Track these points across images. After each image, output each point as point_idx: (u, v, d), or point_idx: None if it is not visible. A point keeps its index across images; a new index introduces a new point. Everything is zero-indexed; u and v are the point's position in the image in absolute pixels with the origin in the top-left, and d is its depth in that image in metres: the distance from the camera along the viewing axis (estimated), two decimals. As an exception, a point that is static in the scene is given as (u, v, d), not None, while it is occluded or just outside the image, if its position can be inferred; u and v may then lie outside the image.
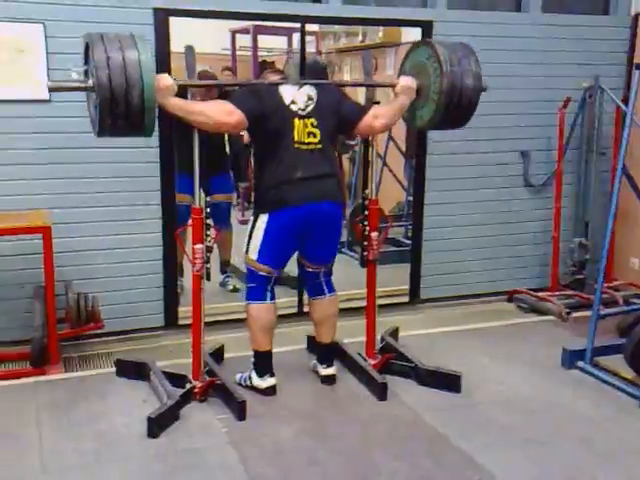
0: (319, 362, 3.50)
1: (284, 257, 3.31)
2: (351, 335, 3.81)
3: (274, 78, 3.42)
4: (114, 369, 3.56)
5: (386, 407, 3.22)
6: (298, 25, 4.22)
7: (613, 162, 4.54)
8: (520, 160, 4.75)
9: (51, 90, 2.85)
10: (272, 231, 3.16)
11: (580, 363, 3.67)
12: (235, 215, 7.11)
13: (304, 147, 3.14)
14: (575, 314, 4.50)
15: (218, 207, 4.34)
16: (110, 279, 3.96)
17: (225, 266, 4.92)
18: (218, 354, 3.71)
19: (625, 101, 4.01)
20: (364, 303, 3.60)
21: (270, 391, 3.30)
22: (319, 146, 3.17)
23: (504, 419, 3.17)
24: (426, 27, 4.34)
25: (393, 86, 3.38)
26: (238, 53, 7.57)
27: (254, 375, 3.33)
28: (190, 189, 3.20)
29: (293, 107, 3.15)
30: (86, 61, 2.77)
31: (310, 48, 6.54)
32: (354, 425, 3.10)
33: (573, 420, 3.18)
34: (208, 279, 3.27)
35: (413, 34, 4.56)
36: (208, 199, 3.45)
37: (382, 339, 3.77)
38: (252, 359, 3.34)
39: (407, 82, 3.34)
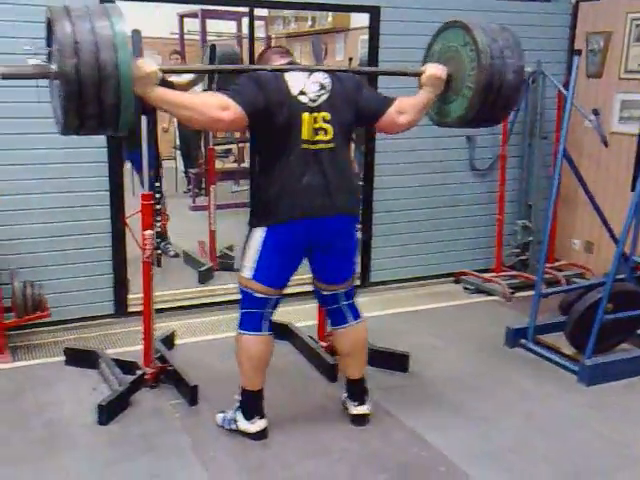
0: (350, 399, 3.01)
1: (285, 274, 2.77)
2: (303, 318, 3.86)
3: (280, 62, 2.78)
4: (63, 358, 3.52)
5: (336, 388, 3.27)
6: (247, 9, 4.21)
7: (555, 146, 4.67)
8: (466, 145, 4.84)
9: (4, 77, 2.30)
10: (271, 246, 2.67)
11: (523, 341, 3.79)
12: (187, 202, 7.09)
13: (313, 147, 2.62)
14: (519, 294, 4.64)
15: None
16: (57, 267, 3.90)
17: (161, 234, 4.89)
18: (169, 340, 3.71)
19: (566, 86, 4.13)
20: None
21: (262, 435, 2.83)
22: (331, 145, 2.65)
23: (451, 397, 3.26)
24: (374, 13, 4.37)
25: (419, 74, 2.87)
26: (187, 37, 7.51)
27: (240, 417, 2.85)
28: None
29: (302, 98, 2.61)
30: (49, 42, 2.36)
31: (259, 33, 6.53)
32: (305, 406, 3.14)
33: (517, 396, 3.29)
34: (159, 265, 3.26)
35: (362, 19, 4.59)
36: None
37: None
38: (238, 397, 2.88)
39: (436, 71, 2.82)
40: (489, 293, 4.73)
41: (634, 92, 4.36)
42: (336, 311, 2.94)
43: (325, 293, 2.91)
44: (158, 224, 3.20)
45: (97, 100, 2.18)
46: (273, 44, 7.03)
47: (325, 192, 2.65)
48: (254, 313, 2.77)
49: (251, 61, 4.30)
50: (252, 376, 2.82)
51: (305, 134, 2.61)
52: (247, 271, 2.73)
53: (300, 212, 2.63)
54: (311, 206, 2.63)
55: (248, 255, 2.72)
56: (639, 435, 2.96)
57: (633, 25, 4.57)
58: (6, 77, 2.32)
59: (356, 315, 2.96)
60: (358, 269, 4.69)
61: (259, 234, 2.68)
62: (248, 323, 2.78)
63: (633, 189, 3.46)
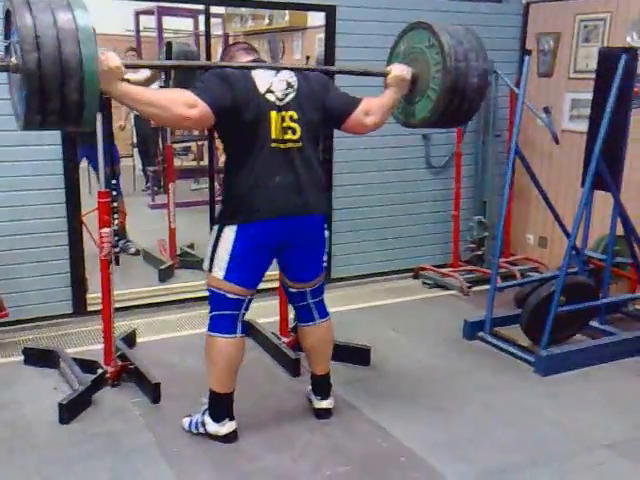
0: (313, 393, 3.04)
1: (258, 274, 2.73)
2: (265, 315, 3.88)
3: (246, 59, 2.75)
4: (22, 357, 3.48)
5: (299, 383, 3.30)
6: (203, 7, 4.20)
7: (508, 144, 4.78)
8: (422, 143, 4.92)
9: None
10: (241, 245, 2.62)
11: (480, 333, 3.88)
12: (146, 201, 7.03)
13: (282, 146, 2.60)
14: (475, 288, 4.75)
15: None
16: (14, 266, 3.84)
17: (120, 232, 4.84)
18: (130, 339, 3.69)
19: (518, 85, 4.23)
20: (278, 284, 3.65)
21: (232, 437, 2.80)
22: (299, 144, 2.63)
23: (411, 389, 3.33)
24: (329, 11, 4.40)
25: (384, 75, 2.87)
26: (143, 34, 7.45)
27: (208, 420, 2.80)
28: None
29: (269, 97, 2.58)
30: (7, 34, 2.29)
31: (216, 30, 6.51)
32: (269, 401, 3.17)
33: (475, 387, 3.37)
34: (117, 263, 3.24)
35: (319, 18, 4.62)
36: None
37: (295, 318, 3.84)
38: (205, 399, 2.84)
39: (401, 72, 2.83)
40: (447, 287, 4.82)
41: (583, 91, 4.50)
42: (303, 308, 2.93)
43: (293, 290, 2.90)
44: (116, 222, 3.16)
45: (60, 96, 2.10)
46: (230, 42, 7.01)
47: (297, 191, 2.63)
48: (227, 315, 2.71)
49: (207, 58, 4.30)
50: (224, 379, 2.76)
51: (274, 133, 2.58)
52: (218, 271, 2.66)
53: (273, 211, 2.60)
54: (283, 205, 2.61)
55: (218, 255, 2.65)
56: (593, 422, 3.06)
57: (581, 26, 4.71)
58: None
59: (323, 313, 2.96)
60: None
61: (230, 233, 2.61)
62: (220, 325, 2.72)
63: (583, 185, 3.57)
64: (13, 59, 2.16)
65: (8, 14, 2.21)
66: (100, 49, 2.39)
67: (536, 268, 5.06)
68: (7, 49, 2.26)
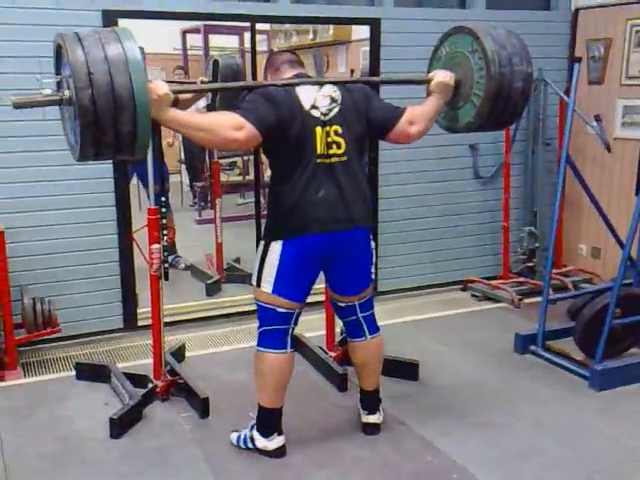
0: (362, 408, 3.01)
1: (306, 286, 2.72)
2: (312, 329, 3.87)
3: (290, 73, 2.74)
4: (74, 373, 3.54)
5: (346, 397, 3.28)
6: (249, 24, 4.25)
7: (558, 152, 4.68)
8: (469, 153, 4.86)
9: (17, 107, 2.24)
10: (288, 259, 2.62)
11: (532, 347, 3.79)
12: (193, 216, 7.13)
13: (327, 161, 2.59)
14: (527, 300, 4.65)
15: None
16: (66, 282, 3.93)
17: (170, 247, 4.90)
18: (179, 353, 3.72)
19: (567, 93, 4.15)
20: (324, 297, 3.63)
21: (281, 452, 2.78)
22: (344, 158, 2.62)
23: (461, 404, 3.27)
24: (374, 25, 4.42)
25: (427, 82, 2.84)
26: (190, 52, 7.58)
27: (257, 435, 2.79)
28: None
29: (314, 113, 2.58)
30: (58, 69, 2.32)
31: (262, 47, 6.58)
32: (316, 415, 3.15)
33: (526, 402, 3.29)
34: (166, 279, 3.28)
35: (363, 32, 4.63)
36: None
37: (341, 332, 3.83)
38: (253, 415, 2.84)
39: (444, 78, 2.79)
40: (497, 300, 4.73)
41: (636, 98, 4.38)
42: (353, 323, 2.89)
43: (341, 304, 2.87)
44: (165, 238, 3.20)
45: (114, 129, 2.14)
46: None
47: (342, 204, 2.62)
48: (277, 330, 2.70)
49: (253, 75, 4.34)
50: (274, 394, 2.75)
51: (319, 149, 2.58)
52: (267, 286, 2.66)
53: (318, 225, 2.60)
54: (329, 218, 2.60)
55: (266, 269, 2.66)
56: (650, 439, 2.96)
57: (633, 31, 4.60)
58: (18, 107, 2.25)
59: (373, 329, 2.92)
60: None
61: (276, 248, 2.62)
62: (270, 340, 2.71)
63: (637, 193, 3.47)
64: (66, 92, 2.19)
65: (59, 48, 2.24)
66: (149, 69, 2.47)
67: (589, 279, 4.93)
68: (59, 84, 2.30)
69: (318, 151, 2.58)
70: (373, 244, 2.83)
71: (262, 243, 2.71)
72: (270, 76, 2.82)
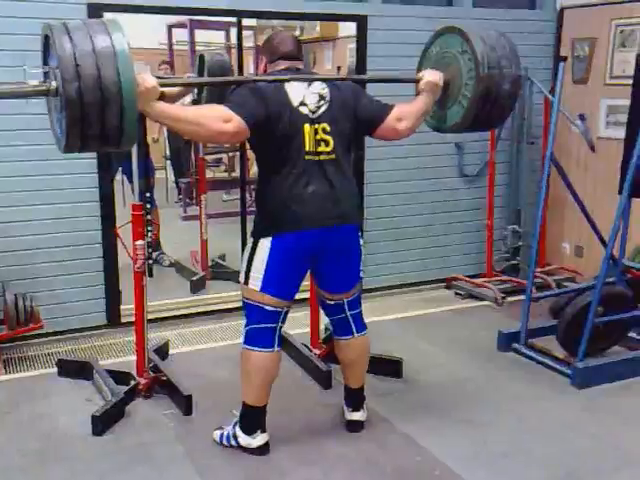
0: (346, 405, 3.03)
1: (294, 284, 2.71)
2: (296, 326, 3.87)
3: (283, 66, 2.73)
4: (56, 369, 3.51)
5: (330, 395, 3.28)
6: (235, 20, 4.23)
7: (542, 151, 4.71)
8: (454, 151, 4.88)
9: (3, 97, 2.27)
10: (277, 256, 2.61)
11: (515, 345, 3.81)
12: (178, 212, 7.09)
13: (315, 158, 2.60)
14: (510, 298, 4.67)
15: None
16: (49, 278, 3.90)
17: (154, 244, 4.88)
18: (163, 350, 3.70)
19: (552, 92, 4.17)
20: (309, 294, 3.62)
21: (264, 449, 2.79)
22: (332, 156, 2.63)
23: (444, 402, 3.28)
24: (361, 21, 4.41)
25: (417, 81, 2.85)
26: (176, 47, 7.54)
27: (240, 432, 2.79)
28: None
29: (303, 109, 2.58)
30: (45, 60, 2.29)
31: (248, 42, 6.55)
32: (300, 413, 3.15)
33: (509, 400, 3.31)
34: (150, 275, 3.26)
35: (350, 29, 4.63)
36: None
37: (326, 329, 3.83)
38: (236, 412, 2.84)
39: (434, 78, 2.79)
40: (481, 298, 4.75)
41: (620, 97, 4.41)
42: (341, 321, 2.89)
43: (330, 302, 2.87)
44: (149, 234, 3.19)
45: (100, 122, 2.12)
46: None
47: (331, 200, 2.62)
48: (265, 328, 2.69)
49: (240, 70, 4.33)
50: (259, 392, 2.75)
51: (307, 146, 2.58)
52: (255, 283, 2.65)
53: (307, 221, 2.59)
54: (318, 214, 2.60)
55: (254, 267, 2.65)
56: (632, 436, 2.98)
57: (617, 31, 4.63)
58: (4, 97, 2.21)
59: (361, 327, 2.92)
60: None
61: (265, 244, 2.61)
62: (258, 339, 2.70)
63: (620, 192, 3.49)
64: (53, 83, 2.16)
65: (47, 39, 2.21)
66: (134, 64, 2.36)
67: (572, 278, 4.96)
68: (46, 74, 2.27)
69: (306, 148, 2.58)
70: (362, 241, 2.83)
71: (251, 240, 2.70)
72: (265, 61, 2.78)
